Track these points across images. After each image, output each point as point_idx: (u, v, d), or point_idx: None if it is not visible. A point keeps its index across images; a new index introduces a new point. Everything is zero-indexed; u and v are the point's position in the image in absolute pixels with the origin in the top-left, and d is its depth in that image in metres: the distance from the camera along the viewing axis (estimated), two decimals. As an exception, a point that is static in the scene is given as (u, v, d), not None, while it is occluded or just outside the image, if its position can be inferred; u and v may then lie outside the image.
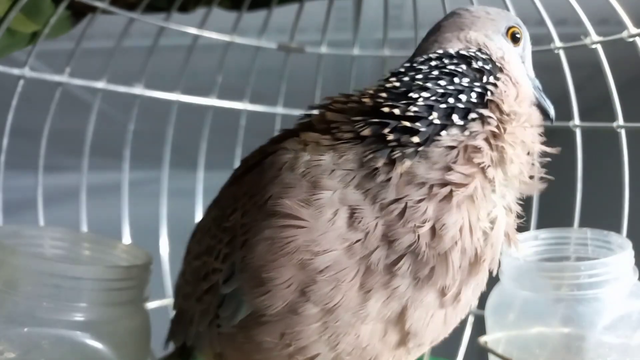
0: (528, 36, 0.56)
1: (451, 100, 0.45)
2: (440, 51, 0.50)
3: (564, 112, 0.76)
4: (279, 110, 0.93)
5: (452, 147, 0.44)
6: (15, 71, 0.68)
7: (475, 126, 0.45)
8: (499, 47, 0.52)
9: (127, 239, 0.85)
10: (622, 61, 0.67)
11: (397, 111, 0.45)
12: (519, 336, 0.64)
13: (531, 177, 0.49)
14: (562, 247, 0.67)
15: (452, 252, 0.44)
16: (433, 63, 0.48)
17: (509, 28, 0.54)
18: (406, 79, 0.47)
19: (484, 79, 0.47)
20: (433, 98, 0.45)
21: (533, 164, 0.49)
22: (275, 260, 0.43)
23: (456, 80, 0.46)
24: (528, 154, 0.48)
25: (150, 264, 0.61)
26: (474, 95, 0.46)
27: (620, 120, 0.69)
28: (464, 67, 0.48)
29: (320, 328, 0.44)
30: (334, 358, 0.46)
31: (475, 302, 0.51)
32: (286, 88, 0.94)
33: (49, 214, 0.74)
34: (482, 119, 0.45)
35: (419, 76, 0.47)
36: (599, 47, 0.70)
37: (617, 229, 0.69)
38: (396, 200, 0.43)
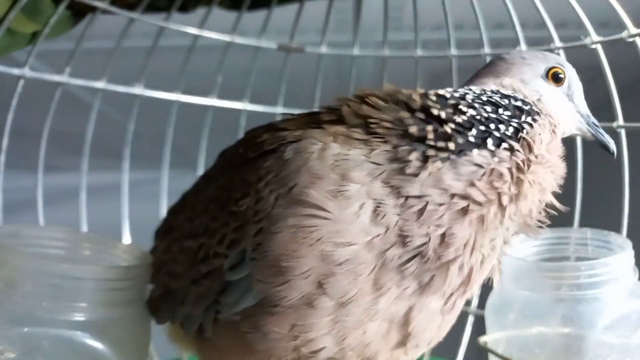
0: (574, 74, 0.57)
1: (491, 126, 0.47)
2: (482, 88, 0.52)
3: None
4: (279, 110, 0.93)
5: (480, 167, 0.46)
6: (15, 71, 0.68)
7: (504, 155, 0.47)
8: (535, 90, 0.54)
9: (127, 239, 0.85)
10: (624, 64, 0.67)
11: (443, 114, 0.47)
12: (519, 336, 0.64)
13: (534, 221, 0.50)
14: (562, 247, 0.67)
15: (452, 264, 0.45)
16: (479, 91, 0.51)
17: (550, 69, 0.55)
18: (457, 94, 0.50)
19: (522, 118, 0.49)
20: (477, 117, 0.47)
21: (540, 210, 0.50)
22: (297, 250, 0.43)
23: (500, 111, 0.49)
24: (540, 199, 0.49)
25: (150, 264, 0.61)
26: (511, 128, 0.48)
27: (620, 120, 0.70)
28: (506, 102, 0.50)
29: (331, 322, 0.45)
30: (337, 352, 0.47)
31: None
32: (286, 88, 0.94)
33: (49, 214, 0.74)
34: (512, 151, 0.47)
35: (469, 96, 0.50)
36: (599, 48, 0.70)
37: (617, 229, 0.69)
38: (418, 197, 0.44)
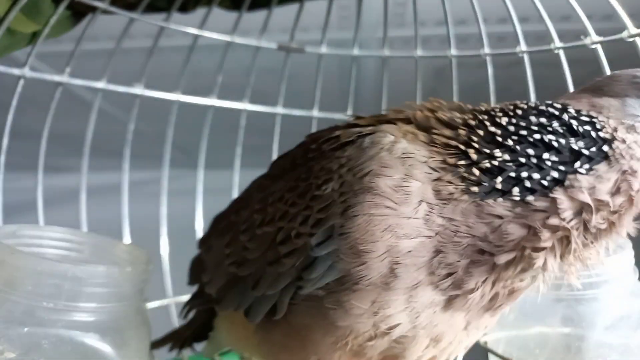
0: None
1: (523, 174, 0.46)
2: (558, 106, 0.49)
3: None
4: (279, 110, 0.94)
5: (498, 217, 0.46)
6: (16, 71, 0.68)
7: (526, 210, 0.45)
8: (633, 114, 0.48)
9: (127, 239, 0.85)
10: (625, 59, 0.67)
11: (475, 157, 0.47)
12: (519, 336, 0.64)
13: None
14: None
15: (472, 293, 0.47)
16: (541, 120, 0.48)
17: None
18: (511, 128, 0.48)
19: (574, 165, 0.46)
20: (509, 164, 0.46)
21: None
22: (373, 234, 0.46)
23: (545, 155, 0.46)
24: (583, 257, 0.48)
25: (150, 264, 0.61)
26: (549, 178, 0.46)
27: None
28: (563, 141, 0.47)
29: (405, 301, 0.47)
30: (410, 330, 0.49)
31: None
32: (286, 88, 0.94)
33: (49, 214, 0.74)
34: (535, 209, 0.45)
35: (522, 132, 0.47)
36: (599, 47, 0.70)
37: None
38: (449, 220, 0.46)
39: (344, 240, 0.47)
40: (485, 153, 0.47)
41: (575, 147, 0.46)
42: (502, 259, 0.46)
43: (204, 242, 0.70)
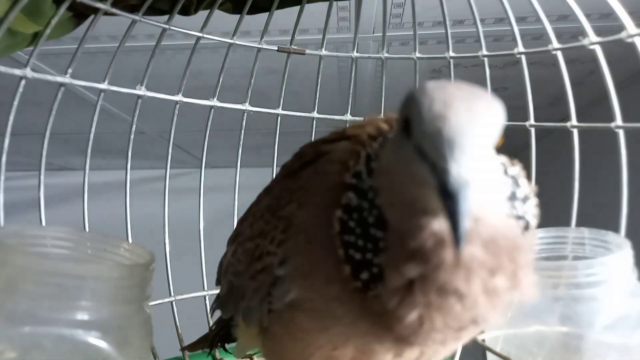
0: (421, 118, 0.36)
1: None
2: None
3: (562, 111, 0.77)
4: (280, 111, 0.94)
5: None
6: (17, 72, 0.69)
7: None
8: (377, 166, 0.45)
9: (129, 238, 0.85)
10: (623, 58, 0.67)
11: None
12: (516, 334, 0.64)
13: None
14: (559, 246, 0.67)
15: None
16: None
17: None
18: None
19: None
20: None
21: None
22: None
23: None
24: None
25: (153, 263, 0.61)
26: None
27: (619, 121, 0.70)
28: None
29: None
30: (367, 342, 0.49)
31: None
32: (286, 89, 0.94)
33: (51, 214, 0.74)
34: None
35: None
36: (598, 48, 0.70)
37: (616, 229, 0.69)
38: None
39: (293, 263, 0.47)
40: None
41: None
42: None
43: (228, 244, 0.70)
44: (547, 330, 0.62)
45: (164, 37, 0.83)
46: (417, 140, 0.35)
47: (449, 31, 0.87)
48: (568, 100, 0.74)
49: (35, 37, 0.74)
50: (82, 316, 0.53)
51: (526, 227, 0.43)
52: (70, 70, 0.74)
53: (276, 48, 0.92)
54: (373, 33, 1.20)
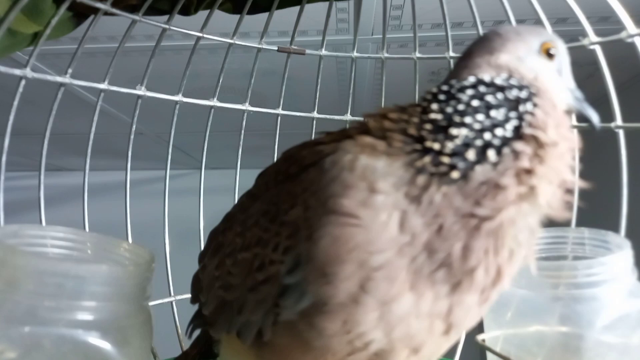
0: (563, 48, 0.56)
1: (487, 136, 0.47)
2: (473, 79, 0.51)
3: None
4: (280, 111, 0.94)
5: (483, 184, 0.46)
6: (17, 72, 0.69)
7: (507, 161, 0.47)
8: (531, 67, 0.52)
9: (129, 238, 0.85)
10: (623, 59, 0.67)
11: (437, 146, 0.47)
12: (516, 334, 0.64)
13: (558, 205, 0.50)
14: (559, 246, 0.67)
15: (476, 270, 0.47)
16: (470, 92, 0.50)
17: (542, 44, 0.54)
18: (449, 109, 0.49)
19: (520, 109, 0.48)
20: (471, 135, 0.47)
21: (562, 193, 0.50)
22: (337, 256, 0.45)
23: (492, 113, 0.48)
24: (558, 183, 0.49)
25: (153, 263, 0.61)
26: (509, 127, 0.47)
27: (619, 121, 0.70)
28: (500, 96, 0.49)
29: (378, 318, 0.47)
30: (386, 344, 0.49)
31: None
32: (286, 88, 0.94)
33: (51, 214, 0.75)
34: (516, 154, 0.47)
35: (460, 107, 0.49)
36: (598, 48, 0.70)
37: (616, 229, 0.69)
38: (435, 217, 0.46)
39: (311, 265, 0.47)
40: (442, 139, 0.47)
41: (511, 97, 0.49)
42: (505, 215, 0.46)
43: (201, 259, 0.69)
44: (547, 330, 0.62)
45: (164, 37, 0.83)
46: (558, 66, 0.54)
47: (449, 33, 0.87)
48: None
49: (35, 37, 0.74)
50: (82, 316, 0.54)
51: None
52: (70, 71, 0.74)
53: (276, 48, 0.92)
54: (372, 35, 1.20)
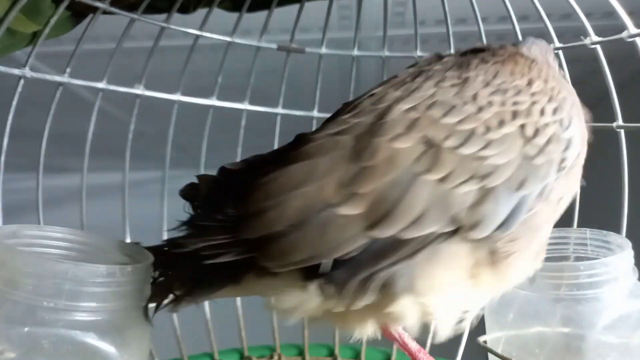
0: None
1: None
2: None
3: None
4: (279, 110, 0.94)
5: None
6: (16, 71, 0.68)
7: None
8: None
9: (128, 239, 0.85)
10: (625, 57, 0.67)
11: None
12: (518, 336, 0.64)
13: None
14: (561, 247, 0.67)
15: None
16: None
17: None
18: None
19: None
20: None
21: None
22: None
23: None
24: None
25: (152, 264, 0.61)
26: None
27: (620, 121, 0.70)
28: None
29: None
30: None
31: None
32: (286, 87, 0.94)
33: (50, 214, 0.74)
34: None
35: None
36: (599, 47, 0.70)
37: (617, 229, 0.69)
38: None
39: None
40: None
41: None
42: None
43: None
44: (549, 331, 0.62)
45: (163, 36, 0.83)
46: None
47: (451, 30, 0.87)
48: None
49: (34, 37, 0.74)
50: (81, 317, 0.53)
51: None
52: (68, 70, 0.74)
53: (276, 46, 0.92)
54: (375, 32, 1.19)
